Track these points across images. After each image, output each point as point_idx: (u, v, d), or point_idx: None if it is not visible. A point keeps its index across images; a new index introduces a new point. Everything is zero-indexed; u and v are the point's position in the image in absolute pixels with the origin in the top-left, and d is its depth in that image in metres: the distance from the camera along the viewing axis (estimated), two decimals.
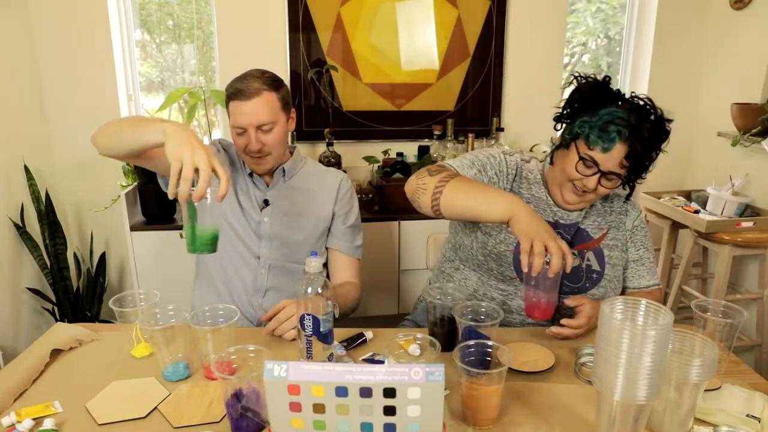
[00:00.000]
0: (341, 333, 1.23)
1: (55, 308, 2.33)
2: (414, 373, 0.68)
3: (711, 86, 2.72)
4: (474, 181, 1.27)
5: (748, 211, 2.34)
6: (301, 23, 2.46)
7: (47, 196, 2.29)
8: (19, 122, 2.25)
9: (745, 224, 2.21)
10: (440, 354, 0.99)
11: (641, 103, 1.24)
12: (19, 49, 2.26)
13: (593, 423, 0.95)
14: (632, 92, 1.27)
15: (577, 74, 1.29)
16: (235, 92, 1.37)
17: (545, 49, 2.69)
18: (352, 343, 1.22)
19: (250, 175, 1.49)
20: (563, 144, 1.29)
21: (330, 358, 1.08)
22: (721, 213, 2.30)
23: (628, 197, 1.40)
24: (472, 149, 2.49)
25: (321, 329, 1.04)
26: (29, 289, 2.28)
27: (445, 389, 0.95)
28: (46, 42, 2.33)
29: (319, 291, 1.03)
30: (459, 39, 2.61)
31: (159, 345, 1.09)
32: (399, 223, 2.30)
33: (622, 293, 1.41)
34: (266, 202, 1.49)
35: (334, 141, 2.45)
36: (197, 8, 2.59)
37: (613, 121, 1.20)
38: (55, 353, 1.17)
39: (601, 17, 2.91)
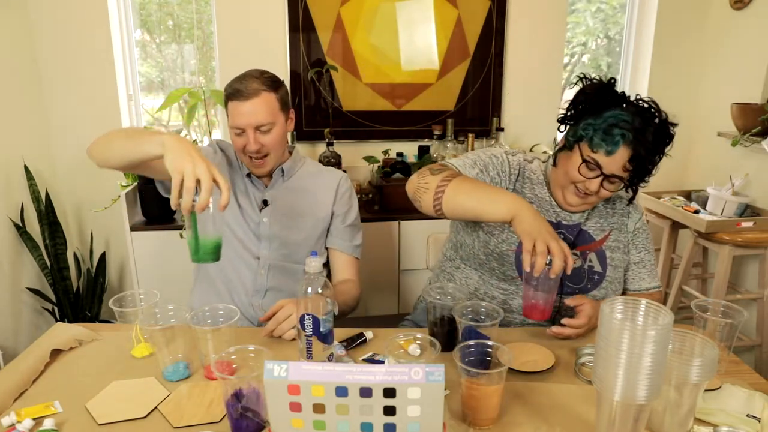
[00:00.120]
0: (341, 333, 1.23)
1: (55, 308, 2.33)
2: (414, 373, 0.68)
3: (711, 86, 2.72)
4: (476, 180, 1.27)
5: (748, 211, 2.34)
6: (301, 23, 2.46)
7: (47, 196, 2.29)
8: (19, 122, 2.25)
9: (745, 224, 2.21)
10: (440, 354, 0.98)
11: (646, 105, 1.23)
12: (19, 49, 2.26)
13: (593, 423, 0.95)
14: (637, 95, 1.26)
15: (582, 75, 1.28)
16: (234, 92, 1.37)
17: (545, 49, 2.69)
18: (352, 343, 1.22)
19: (249, 175, 1.49)
20: (566, 146, 1.28)
21: (330, 358, 1.08)
22: (721, 213, 2.30)
23: (630, 200, 1.39)
24: (472, 149, 2.50)
25: (321, 329, 1.04)
26: (29, 289, 2.28)
27: (445, 389, 0.94)
28: (46, 42, 2.33)
29: (319, 291, 1.03)
30: (459, 39, 2.61)
31: (159, 345, 1.09)
32: (399, 223, 2.30)
33: (623, 295, 1.41)
34: (265, 203, 1.49)
35: (334, 141, 2.45)
36: (197, 8, 2.60)
37: (617, 124, 1.19)
38: (55, 353, 1.17)
39: (601, 17, 2.91)
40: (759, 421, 0.96)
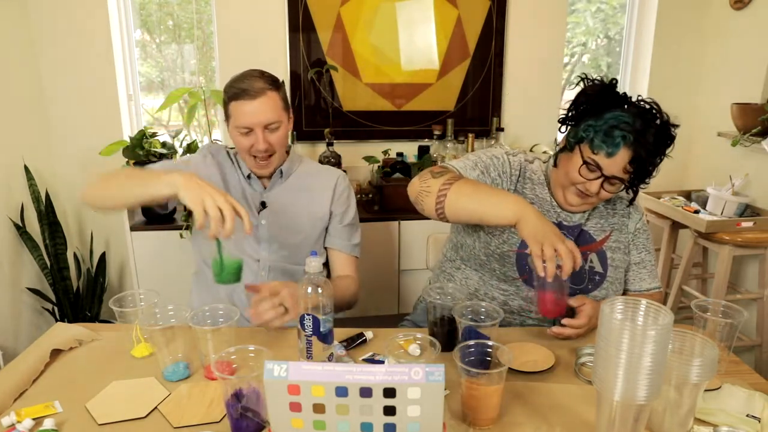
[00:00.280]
0: (341, 333, 1.23)
1: (55, 308, 2.33)
2: (414, 373, 0.68)
3: (711, 86, 2.72)
4: (478, 183, 1.26)
5: (748, 211, 2.34)
6: (301, 23, 2.46)
7: (47, 196, 2.29)
8: (19, 122, 2.25)
9: (745, 224, 2.21)
10: (440, 354, 0.98)
11: (647, 106, 1.23)
12: (19, 49, 2.25)
13: (593, 423, 0.95)
14: (638, 95, 1.26)
15: (583, 76, 1.28)
16: (240, 92, 1.36)
17: (545, 49, 2.69)
18: (352, 343, 1.22)
19: (248, 176, 1.49)
20: (567, 147, 1.28)
21: (330, 358, 1.08)
22: (721, 213, 2.30)
23: (631, 201, 1.39)
24: (472, 149, 2.50)
25: (321, 329, 1.04)
26: (29, 289, 2.28)
27: (445, 389, 0.94)
28: (46, 42, 2.33)
29: (320, 291, 1.03)
30: (459, 39, 2.61)
31: (159, 345, 1.09)
32: (399, 223, 2.30)
33: (623, 295, 1.41)
34: (263, 205, 1.49)
35: (334, 141, 2.45)
36: (197, 8, 2.60)
37: (618, 126, 1.19)
38: (55, 353, 1.17)
39: (601, 17, 2.91)
40: (759, 421, 0.96)
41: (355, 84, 2.58)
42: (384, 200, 2.34)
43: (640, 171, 1.24)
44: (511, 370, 1.05)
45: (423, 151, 2.54)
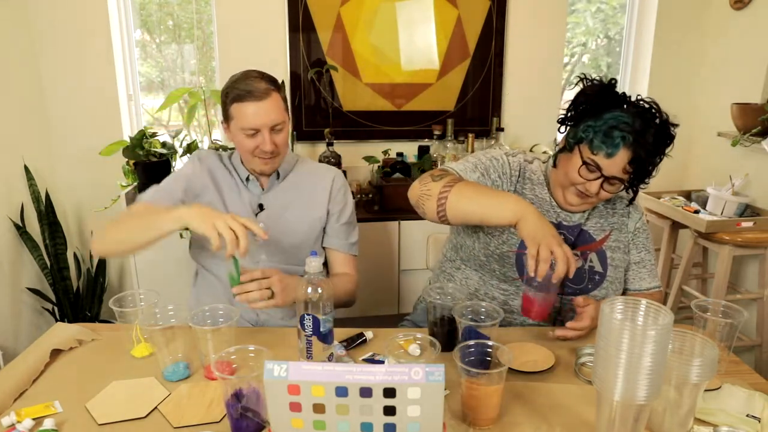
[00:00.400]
0: (341, 333, 1.23)
1: (55, 308, 2.33)
2: (414, 373, 0.68)
3: (711, 86, 2.72)
4: (478, 185, 1.26)
5: (748, 211, 2.34)
6: (301, 23, 2.46)
7: (47, 196, 2.29)
8: (19, 122, 2.25)
9: (745, 224, 2.21)
10: (440, 354, 0.99)
11: (646, 106, 1.23)
12: (19, 49, 2.25)
13: (593, 423, 0.95)
14: (638, 95, 1.26)
15: (582, 76, 1.28)
16: (244, 94, 1.35)
17: (545, 49, 2.69)
18: (352, 343, 1.22)
19: (246, 179, 1.48)
20: (567, 147, 1.28)
21: (330, 358, 1.08)
22: (721, 213, 2.30)
23: (631, 201, 1.39)
24: (472, 149, 2.50)
25: (321, 329, 1.04)
26: (29, 289, 2.28)
27: (445, 389, 0.95)
28: (46, 42, 2.33)
29: (320, 291, 1.03)
30: (459, 39, 2.61)
31: (159, 345, 1.09)
32: (399, 223, 2.30)
33: (623, 295, 1.41)
34: (261, 207, 1.49)
35: (334, 141, 2.45)
36: (197, 8, 2.60)
37: (618, 127, 1.19)
38: (55, 353, 1.17)
39: (601, 17, 2.91)
40: (759, 421, 0.96)
41: (355, 84, 2.58)
42: (384, 200, 2.34)
43: (640, 171, 1.24)
44: (511, 370, 1.05)
45: (423, 151, 2.54)
